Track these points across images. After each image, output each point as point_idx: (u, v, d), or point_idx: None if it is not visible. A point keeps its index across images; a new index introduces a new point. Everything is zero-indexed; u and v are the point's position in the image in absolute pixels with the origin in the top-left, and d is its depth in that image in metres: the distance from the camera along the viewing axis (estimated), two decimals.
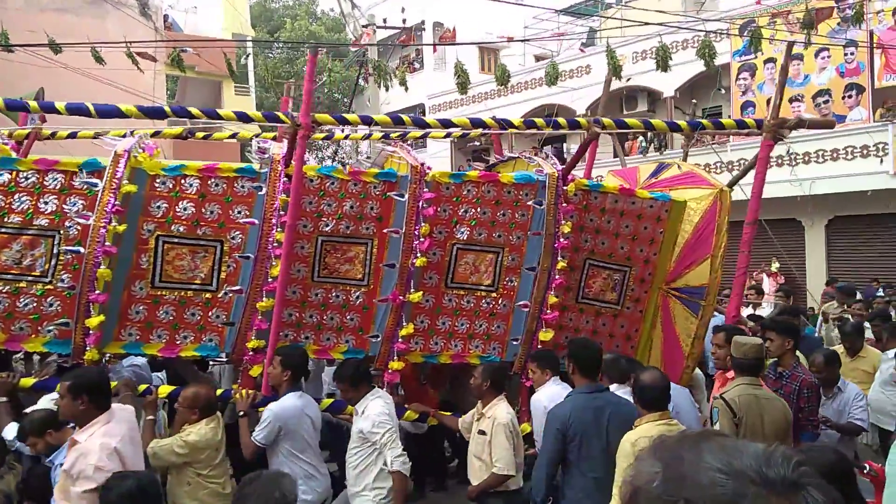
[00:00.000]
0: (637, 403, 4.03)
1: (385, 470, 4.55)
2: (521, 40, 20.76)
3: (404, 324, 5.53)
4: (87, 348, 4.86)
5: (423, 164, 5.56)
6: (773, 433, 4.16)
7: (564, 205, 5.74)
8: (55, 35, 14.03)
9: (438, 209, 5.60)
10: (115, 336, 5.03)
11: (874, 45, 14.47)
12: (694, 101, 18.96)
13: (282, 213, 5.11)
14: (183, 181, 5.08)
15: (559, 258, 5.79)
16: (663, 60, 14.08)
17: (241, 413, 4.73)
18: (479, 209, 5.72)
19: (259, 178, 5.22)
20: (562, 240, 5.76)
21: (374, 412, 4.60)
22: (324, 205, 5.38)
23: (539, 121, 5.90)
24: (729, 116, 17.91)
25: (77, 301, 4.82)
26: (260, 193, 5.19)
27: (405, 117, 5.60)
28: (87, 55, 14.21)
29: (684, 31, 17.00)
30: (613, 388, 4.82)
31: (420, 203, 5.45)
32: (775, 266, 15.98)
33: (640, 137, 20.37)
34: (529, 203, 5.77)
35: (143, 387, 4.87)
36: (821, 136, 15.52)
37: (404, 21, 22.78)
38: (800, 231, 16.62)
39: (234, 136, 6.33)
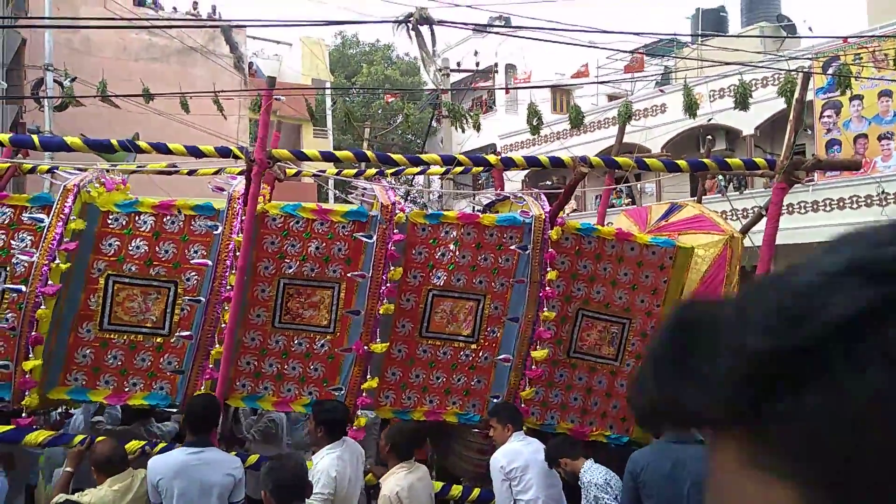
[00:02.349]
0: None
1: None
2: (593, 82, 20.31)
3: (370, 376, 5.11)
4: (27, 393, 4.64)
5: (394, 204, 5.18)
6: None
7: (550, 250, 5.27)
8: (147, 82, 14.85)
9: (413, 252, 5.21)
10: (61, 381, 4.82)
11: None
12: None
13: (237, 254, 4.84)
14: (137, 218, 4.87)
15: (545, 308, 5.30)
16: (742, 98, 13.42)
17: None
18: (457, 253, 5.27)
19: (217, 216, 4.97)
20: (548, 288, 5.27)
21: (320, 469, 4.20)
22: (287, 245, 5.04)
23: (518, 158, 5.50)
24: (813, 155, 16.78)
25: (17, 342, 4.62)
26: (216, 233, 4.93)
27: (369, 153, 5.32)
28: (176, 102, 14.98)
29: (764, 69, 16.17)
30: None
31: (389, 245, 5.08)
32: None
33: (719, 177, 19.35)
34: (514, 247, 5.30)
35: (79, 437, 4.64)
36: None
37: (477, 64, 22.83)
38: None
39: (217, 172, 6.18)
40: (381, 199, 5.20)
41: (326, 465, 4.25)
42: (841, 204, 15.19)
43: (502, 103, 25.88)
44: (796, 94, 5.10)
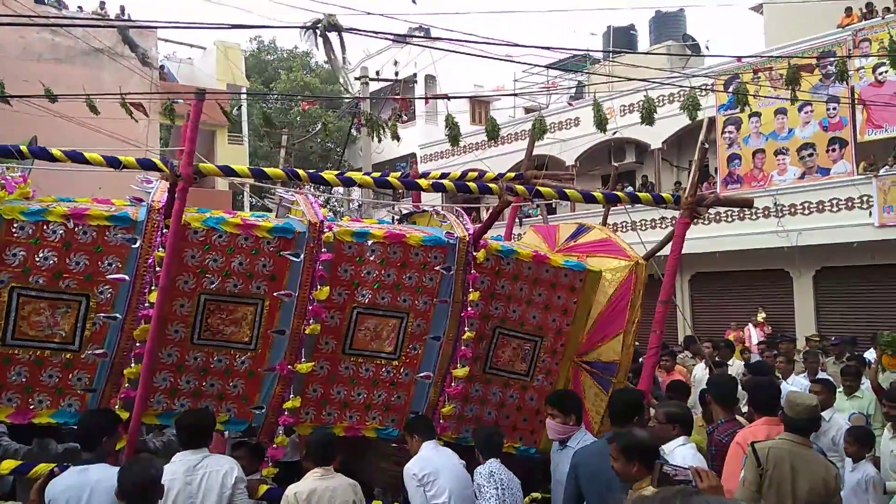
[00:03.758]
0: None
1: None
2: (511, 94, 20.75)
3: (292, 395, 5.10)
4: None
5: (322, 221, 5.15)
6: (807, 493, 3.89)
7: (473, 271, 5.40)
8: (50, 84, 14.13)
9: (339, 269, 5.19)
10: None
11: (856, 101, 14.30)
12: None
13: (158, 269, 4.66)
14: (45, 227, 4.58)
15: (466, 328, 5.43)
16: (648, 114, 14.02)
17: None
18: (383, 271, 5.30)
19: (134, 228, 4.75)
20: (469, 309, 5.42)
21: None
22: (209, 260, 4.90)
23: (448, 184, 5.61)
24: (715, 169, 17.70)
25: None
26: (134, 247, 4.73)
27: (301, 172, 5.29)
28: (81, 105, 14.32)
29: (670, 86, 16.97)
30: (680, 441, 4.53)
31: (317, 265, 5.04)
32: (761, 316, 15.64)
33: (628, 185, 20.15)
34: (438, 268, 5.39)
35: None
36: (807, 189, 15.43)
37: (396, 74, 22.93)
38: (788, 282, 16.32)
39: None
40: (308, 216, 5.17)
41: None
42: (742, 215, 16.12)
43: (421, 113, 26.10)
44: (701, 137, 5.44)
